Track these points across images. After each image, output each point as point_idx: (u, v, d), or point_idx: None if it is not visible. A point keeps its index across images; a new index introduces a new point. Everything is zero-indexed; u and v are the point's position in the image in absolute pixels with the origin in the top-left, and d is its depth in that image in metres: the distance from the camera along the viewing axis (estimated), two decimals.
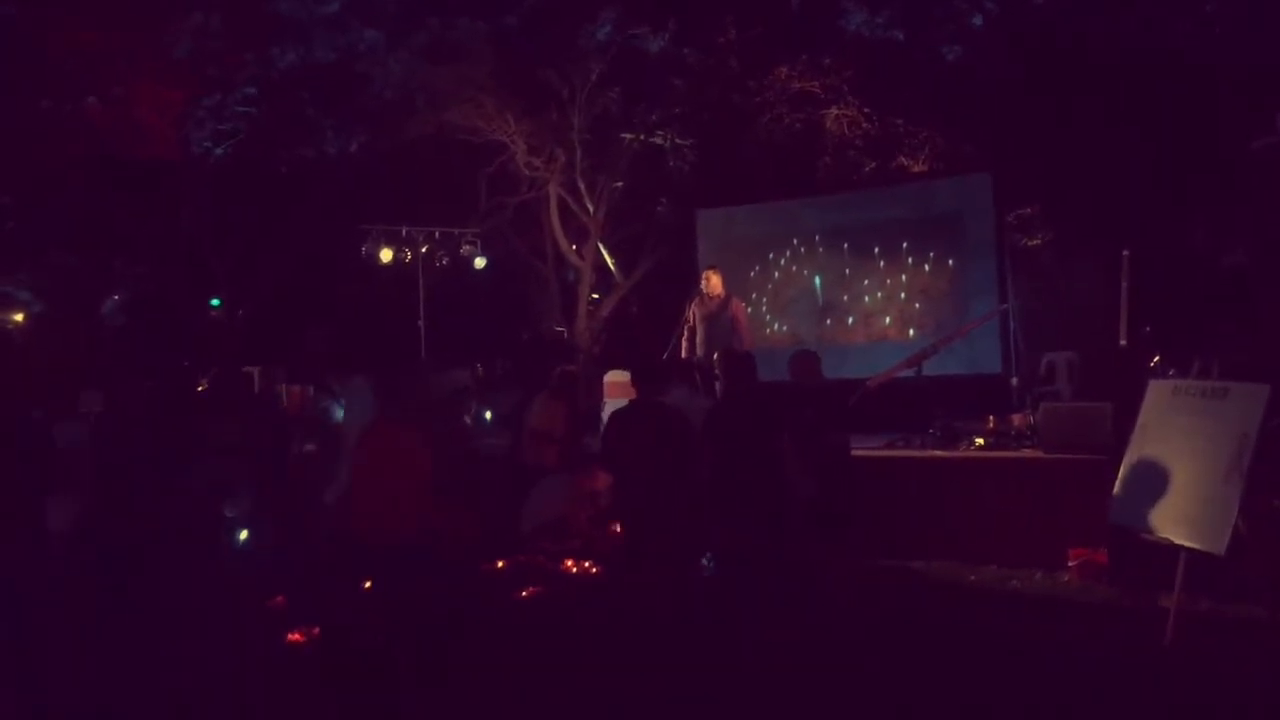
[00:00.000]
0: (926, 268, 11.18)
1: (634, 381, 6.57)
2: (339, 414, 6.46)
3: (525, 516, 7.62)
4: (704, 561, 5.85)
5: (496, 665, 5.10)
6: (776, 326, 12.16)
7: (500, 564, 7.12)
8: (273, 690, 5.10)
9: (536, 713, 4.83)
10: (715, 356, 9.20)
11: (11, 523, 6.09)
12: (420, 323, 13.59)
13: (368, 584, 5.60)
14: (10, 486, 6.16)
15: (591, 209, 15.51)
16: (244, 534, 7.13)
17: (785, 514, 5.33)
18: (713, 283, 9.56)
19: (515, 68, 14.46)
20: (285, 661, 5.46)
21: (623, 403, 8.41)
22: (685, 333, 9.62)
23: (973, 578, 7.18)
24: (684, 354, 9.58)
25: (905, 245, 11.30)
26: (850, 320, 11.69)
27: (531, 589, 7.00)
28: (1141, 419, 6.26)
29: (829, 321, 11.82)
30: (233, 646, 5.60)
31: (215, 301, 17.79)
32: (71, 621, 5.80)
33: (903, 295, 11.33)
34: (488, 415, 10.86)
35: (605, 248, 16.05)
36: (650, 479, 5.26)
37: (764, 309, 12.20)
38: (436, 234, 13.91)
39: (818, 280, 11.91)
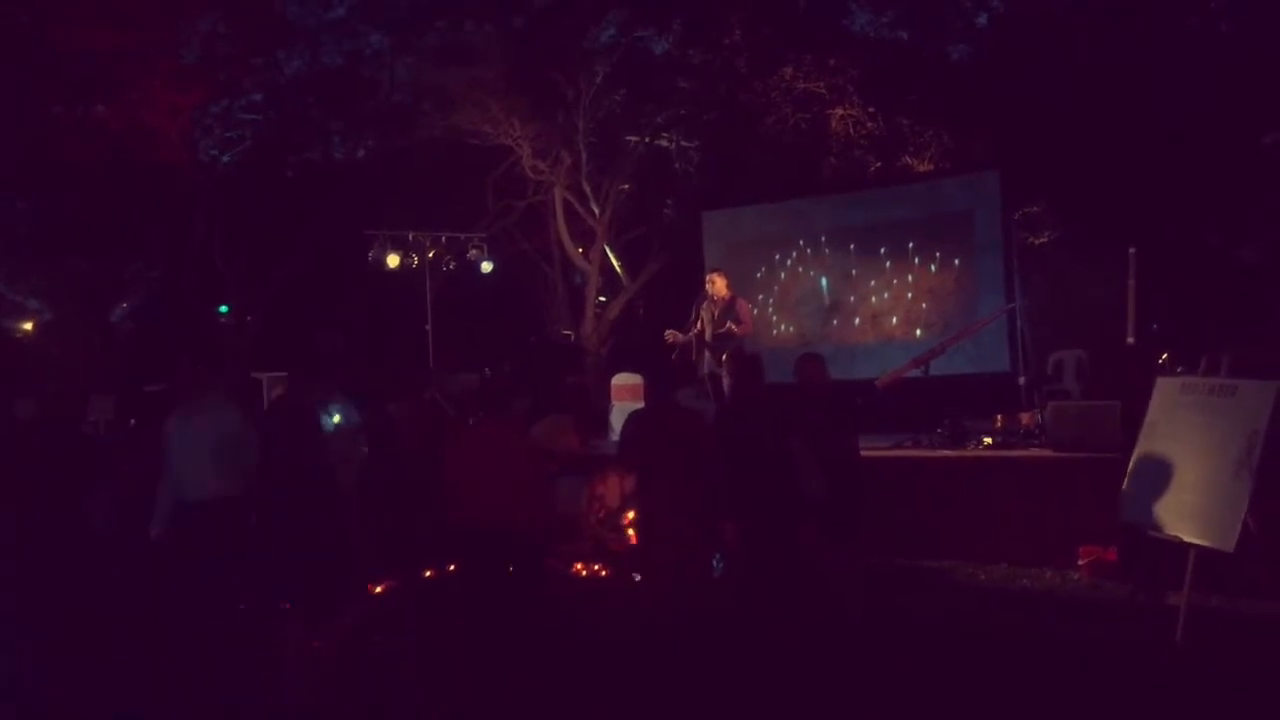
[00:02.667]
0: (933, 267, 11.17)
1: (647, 383, 6.55)
2: (329, 422, 6.44)
3: None
4: (714, 563, 5.86)
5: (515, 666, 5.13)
6: (783, 327, 12.16)
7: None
8: (292, 693, 5.13)
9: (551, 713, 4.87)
10: (724, 358, 9.22)
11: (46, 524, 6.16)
12: (428, 327, 13.62)
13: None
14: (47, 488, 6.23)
15: (598, 211, 15.53)
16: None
17: (795, 515, 5.33)
18: (717, 285, 9.53)
19: (521, 70, 14.48)
20: (305, 665, 5.47)
21: (632, 405, 8.42)
22: (692, 336, 9.59)
23: (983, 576, 7.19)
24: (694, 357, 9.57)
25: (912, 244, 11.29)
26: (857, 320, 11.69)
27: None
28: (1150, 416, 6.27)
29: (836, 321, 11.81)
30: (253, 650, 5.62)
31: (224, 308, 17.84)
32: (93, 623, 5.83)
33: (910, 295, 11.31)
34: None
35: (612, 250, 16.07)
36: (671, 479, 5.27)
37: (771, 310, 12.20)
38: (443, 238, 13.95)
39: (824, 281, 11.91)
